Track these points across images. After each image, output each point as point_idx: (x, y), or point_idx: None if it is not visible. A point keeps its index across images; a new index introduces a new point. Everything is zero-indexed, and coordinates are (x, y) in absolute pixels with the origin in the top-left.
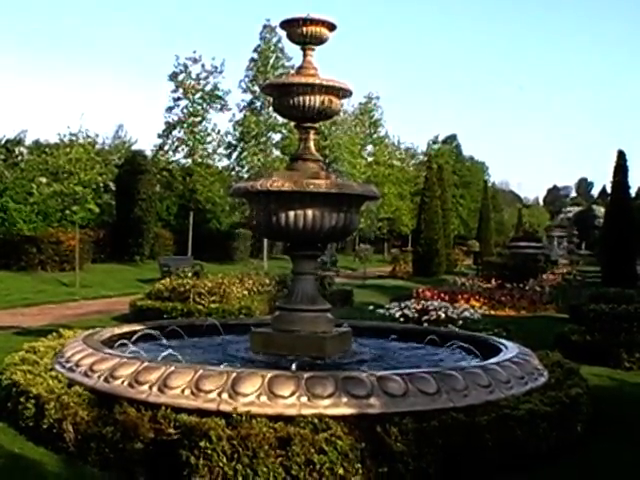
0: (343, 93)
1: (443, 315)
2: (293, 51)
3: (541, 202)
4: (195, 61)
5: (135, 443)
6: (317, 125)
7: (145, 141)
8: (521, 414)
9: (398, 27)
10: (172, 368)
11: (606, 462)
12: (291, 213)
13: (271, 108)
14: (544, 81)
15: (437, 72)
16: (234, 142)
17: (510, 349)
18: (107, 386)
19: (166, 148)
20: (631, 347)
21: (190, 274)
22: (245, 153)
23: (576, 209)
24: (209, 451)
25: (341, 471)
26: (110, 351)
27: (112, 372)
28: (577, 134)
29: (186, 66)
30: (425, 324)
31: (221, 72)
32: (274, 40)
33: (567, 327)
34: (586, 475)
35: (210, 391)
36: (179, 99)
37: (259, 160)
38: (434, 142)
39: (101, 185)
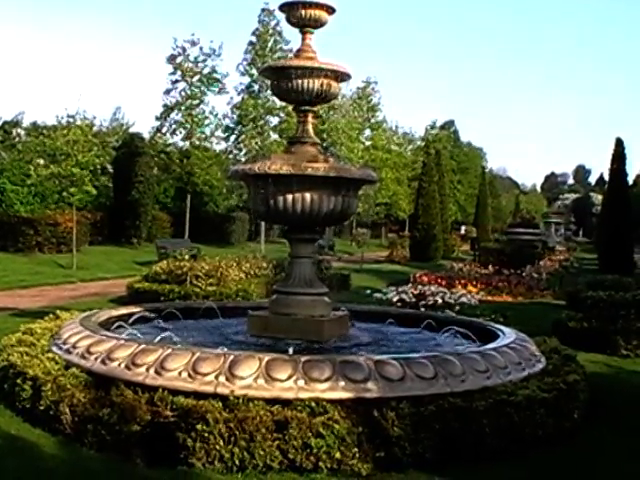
0: (342, 77)
1: (440, 300)
2: (292, 34)
3: (539, 189)
4: (193, 44)
5: (132, 425)
6: (315, 108)
7: (143, 123)
8: (518, 400)
9: (397, 12)
10: (169, 350)
11: (602, 449)
12: (289, 196)
13: (269, 91)
14: (543, 68)
15: (435, 58)
16: (232, 125)
17: (507, 335)
18: (104, 368)
19: (164, 130)
20: (628, 334)
21: (187, 257)
22: (243, 136)
23: (574, 196)
24: (206, 434)
25: (338, 455)
26: (107, 333)
27: (109, 354)
28: (575, 121)
29: (184, 49)
30: (422, 309)
31: (219, 55)
32: (272, 23)
33: (564, 314)
34: (583, 461)
35: (207, 374)
36: (177, 82)
37: (257, 143)
38: (432, 127)
39: (98, 167)
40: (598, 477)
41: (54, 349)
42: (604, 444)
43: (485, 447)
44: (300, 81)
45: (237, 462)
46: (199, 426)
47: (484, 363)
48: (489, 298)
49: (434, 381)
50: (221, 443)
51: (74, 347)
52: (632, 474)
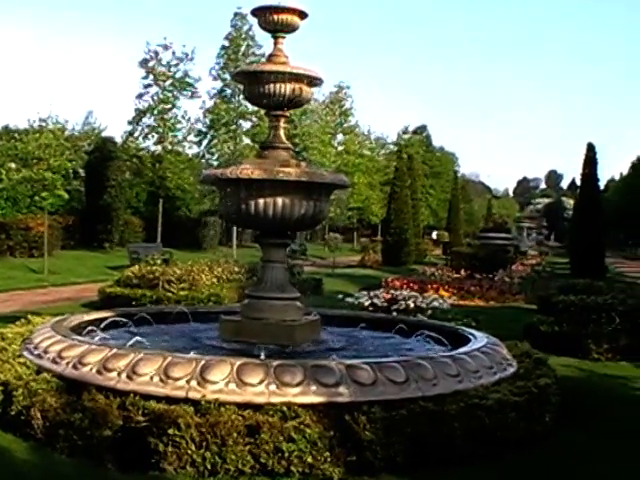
0: (314, 81)
1: (412, 305)
2: (264, 39)
3: (511, 193)
4: (166, 48)
5: (103, 430)
6: (287, 113)
7: (115, 127)
8: (490, 404)
9: (370, 17)
10: (141, 355)
11: (574, 452)
12: (261, 201)
13: (242, 96)
14: (515, 74)
15: (408, 63)
16: (204, 129)
17: (479, 339)
18: (75, 373)
19: (136, 135)
20: (599, 338)
21: (159, 261)
22: (215, 141)
23: (546, 201)
24: (177, 438)
25: (310, 459)
26: (79, 338)
27: (81, 359)
28: (548, 126)
29: (157, 53)
30: (394, 313)
31: (192, 59)
32: (245, 28)
33: (536, 318)
34: (554, 464)
35: (179, 378)
36: (149, 86)
37: (229, 148)
38: (404, 132)
39: (71, 171)
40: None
41: (25, 354)
42: (575, 447)
43: (457, 451)
44: (272, 86)
45: (209, 467)
46: (171, 431)
47: (456, 367)
48: (461, 302)
49: (406, 385)
50: (193, 448)
51: (45, 352)
52: (603, 476)
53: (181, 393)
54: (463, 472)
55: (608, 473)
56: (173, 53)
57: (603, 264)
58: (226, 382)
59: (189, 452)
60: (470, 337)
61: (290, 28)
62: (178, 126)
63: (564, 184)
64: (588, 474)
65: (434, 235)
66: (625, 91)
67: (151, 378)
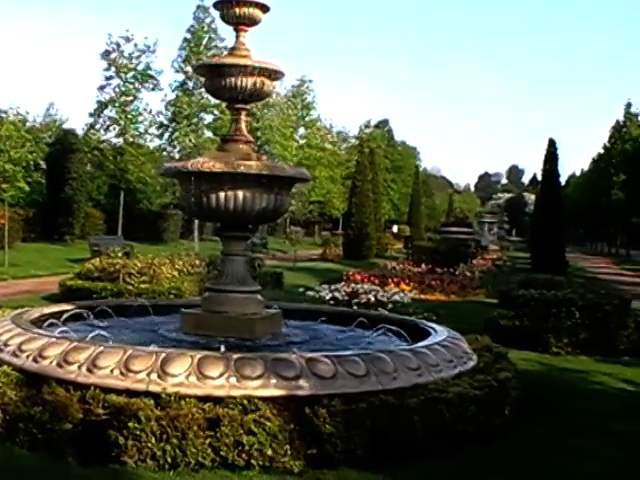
0: (275, 75)
1: (373, 298)
2: (227, 32)
3: (472, 188)
4: (128, 40)
5: (64, 424)
6: (249, 107)
7: (77, 120)
8: (450, 397)
9: (331, 11)
10: (101, 348)
11: (533, 444)
12: (221, 194)
13: (203, 89)
14: (477, 69)
15: (370, 57)
16: (166, 122)
17: (439, 333)
18: (36, 366)
19: (97, 127)
20: (559, 332)
21: (120, 254)
22: (177, 133)
23: (507, 196)
24: (138, 432)
25: (270, 452)
26: (39, 331)
27: (41, 352)
28: (509, 122)
29: (119, 45)
30: (355, 307)
31: (154, 51)
32: (207, 20)
33: (496, 312)
34: (513, 457)
35: (139, 371)
36: (111, 78)
37: (191, 141)
38: (366, 126)
39: (31, 163)
40: (528, 471)
41: None
42: (535, 440)
43: (417, 444)
44: (234, 79)
45: (169, 460)
46: (131, 424)
47: (416, 361)
48: (422, 296)
49: (366, 378)
50: (153, 441)
51: (5, 345)
52: (561, 468)
53: (141, 386)
54: (423, 465)
55: (566, 466)
56: (135, 45)
57: (563, 259)
58: (186, 375)
59: (149, 445)
60: (431, 331)
61: (252, 21)
62: (140, 119)
63: (525, 179)
64: (546, 466)
65: (394, 229)
66: (586, 87)
67: (111, 371)
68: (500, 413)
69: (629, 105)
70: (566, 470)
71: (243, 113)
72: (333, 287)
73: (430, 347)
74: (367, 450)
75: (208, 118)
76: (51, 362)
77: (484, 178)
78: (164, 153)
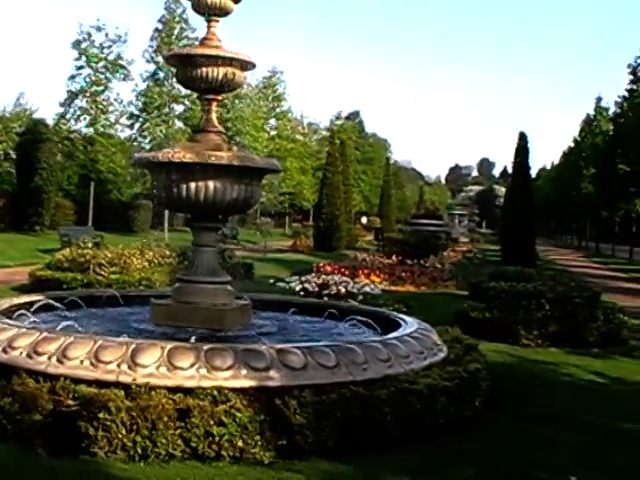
0: (246, 66)
1: (343, 290)
2: (198, 22)
3: (443, 180)
4: (99, 29)
5: (34, 415)
6: (220, 97)
7: (47, 109)
8: (420, 388)
9: (303, 2)
10: (71, 339)
11: (503, 435)
12: (192, 185)
13: (174, 79)
14: (448, 61)
15: (341, 49)
16: (137, 112)
17: (410, 324)
18: (5, 357)
19: (68, 117)
20: (529, 324)
21: (90, 245)
22: (148, 124)
23: (477, 188)
24: (108, 422)
25: (240, 443)
26: (8, 321)
27: (10, 342)
28: (480, 115)
29: (90, 34)
30: (325, 298)
31: (125, 41)
32: (179, 11)
33: (467, 304)
34: (483, 448)
35: (109, 362)
36: (82, 68)
37: (161, 131)
38: (337, 118)
39: (1, 153)
40: (496, 462)
41: None
42: (505, 431)
43: (387, 435)
44: (205, 69)
45: (139, 451)
46: (101, 415)
47: (386, 352)
48: (392, 288)
49: (336, 370)
50: (123, 432)
51: None
52: (529, 458)
53: (112, 377)
54: (393, 456)
55: (535, 456)
56: (106, 35)
57: (534, 252)
58: (157, 366)
59: (120, 436)
60: (401, 322)
61: (223, 12)
62: (110, 109)
63: (496, 172)
64: (515, 457)
65: (364, 220)
66: (558, 82)
67: (81, 362)
68: (470, 404)
69: (599, 99)
70: (534, 461)
71: (214, 104)
72: (303, 278)
73: (400, 338)
74: (338, 441)
75: (179, 109)
76: (21, 353)
77: (455, 170)
78: (135, 143)
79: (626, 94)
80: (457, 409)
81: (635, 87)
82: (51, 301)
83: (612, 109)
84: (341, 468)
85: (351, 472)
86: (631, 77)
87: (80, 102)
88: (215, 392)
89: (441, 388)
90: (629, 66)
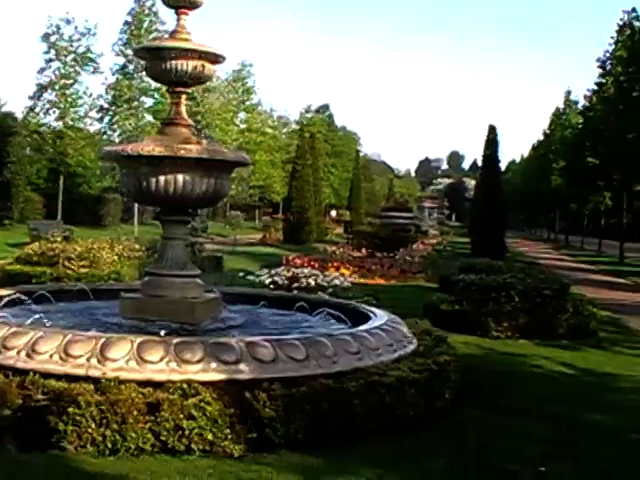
0: (216, 59)
1: (313, 283)
2: (168, 15)
3: (413, 173)
4: (68, 22)
5: (3, 410)
6: (189, 90)
7: (16, 103)
8: (389, 381)
9: None
10: (40, 333)
11: (472, 427)
12: (161, 178)
13: (144, 72)
14: (417, 55)
15: (310, 42)
16: (106, 106)
17: (379, 317)
18: None
19: (37, 110)
20: (498, 316)
21: (60, 238)
22: (117, 117)
23: (447, 181)
24: (78, 417)
25: (210, 436)
26: None
27: None
28: (450, 108)
29: (59, 27)
30: (295, 291)
31: (94, 34)
32: (148, 3)
33: (436, 296)
34: (453, 439)
35: (79, 356)
36: (51, 61)
37: (131, 124)
38: (307, 111)
39: None
40: (466, 453)
41: None
42: (474, 422)
43: (357, 427)
44: (174, 62)
45: (109, 445)
46: (71, 409)
47: (356, 344)
48: (362, 281)
49: (306, 362)
50: (93, 426)
51: None
52: (498, 450)
53: (81, 371)
54: (363, 448)
55: (505, 448)
56: (75, 28)
57: (503, 244)
58: (126, 360)
59: (89, 431)
60: (371, 315)
61: (193, 4)
62: (80, 102)
63: (466, 165)
64: (485, 448)
65: (333, 213)
66: (528, 75)
67: (51, 356)
68: (440, 396)
69: (569, 93)
70: (505, 452)
71: (183, 97)
72: (273, 271)
73: (370, 331)
74: (308, 434)
75: (148, 102)
76: None
77: (425, 163)
78: (104, 137)
79: (595, 87)
80: (427, 401)
81: (604, 80)
82: (20, 295)
83: (581, 102)
84: (311, 461)
85: (321, 464)
86: (600, 71)
87: (49, 95)
88: (185, 385)
89: (411, 380)
90: (598, 60)
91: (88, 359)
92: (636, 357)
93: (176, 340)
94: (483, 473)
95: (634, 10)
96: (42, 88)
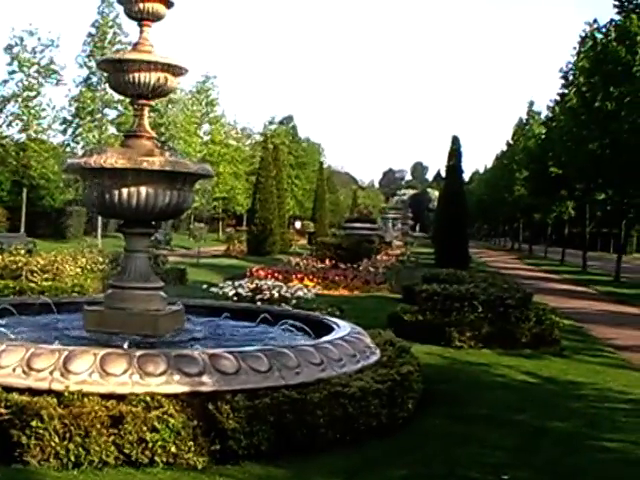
0: (179, 71)
1: (277, 294)
2: (131, 27)
3: (376, 184)
4: (31, 34)
5: None
6: (152, 102)
7: None
8: (352, 391)
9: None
10: (3, 347)
11: (434, 436)
12: (124, 190)
13: (107, 84)
14: (381, 66)
15: (274, 54)
16: (70, 118)
17: (342, 328)
18: None
19: (0, 122)
20: (462, 326)
21: (23, 251)
22: (81, 129)
23: (411, 192)
24: (41, 431)
25: (173, 449)
26: None
27: None
28: (414, 119)
29: (22, 39)
30: (259, 303)
31: (57, 46)
32: (112, 15)
33: (400, 307)
34: (415, 449)
35: (42, 370)
36: (14, 72)
37: (94, 137)
38: (270, 122)
39: None
40: (429, 462)
41: None
42: (437, 432)
43: (320, 438)
44: (137, 74)
45: (73, 458)
46: (34, 423)
47: (318, 355)
48: (326, 292)
49: (269, 374)
50: (56, 440)
51: None
52: (461, 458)
53: (44, 384)
54: (327, 459)
55: (467, 456)
56: (39, 39)
57: (467, 254)
58: (89, 373)
59: (52, 444)
60: (334, 326)
61: (156, 17)
62: (43, 114)
63: (429, 176)
64: (446, 457)
65: (297, 225)
66: (492, 87)
67: (13, 370)
68: (403, 406)
69: (532, 103)
70: (467, 461)
71: (146, 109)
72: (237, 283)
73: (333, 342)
74: (271, 445)
75: (112, 114)
76: None
77: (388, 174)
78: (67, 149)
79: (558, 98)
80: (390, 411)
81: (566, 91)
82: None
83: (544, 113)
84: (274, 472)
85: (284, 476)
86: (563, 81)
87: (12, 107)
88: (148, 398)
89: (373, 391)
90: (561, 71)
91: (51, 372)
92: (598, 365)
93: (139, 353)
94: None
95: (596, 21)
96: (5, 100)
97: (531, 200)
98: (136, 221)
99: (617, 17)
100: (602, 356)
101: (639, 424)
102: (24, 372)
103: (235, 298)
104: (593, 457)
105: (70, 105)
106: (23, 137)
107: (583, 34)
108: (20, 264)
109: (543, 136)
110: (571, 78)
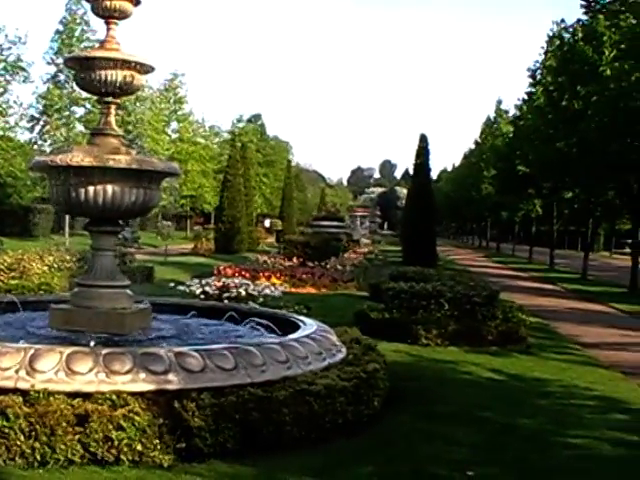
0: (145, 69)
1: (244, 292)
2: (99, 24)
3: (345, 182)
4: None
5: None
6: (119, 100)
7: None
8: (318, 389)
9: (203, 6)
10: None
11: (400, 433)
12: (90, 188)
13: (75, 82)
14: (348, 64)
15: (242, 51)
16: (37, 115)
17: (309, 326)
18: None
19: None
20: (428, 324)
21: None
22: (48, 127)
23: (379, 190)
24: (6, 429)
25: (139, 447)
26: None
27: None
28: (382, 117)
29: None
30: (226, 301)
31: (25, 43)
32: (80, 12)
33: (366, 305)
34: (380, 446)
35: (7, 368)
36: None
37: (62, 134)
38: (239, 120)
39: None
40: (396, 460)
41: None
42: (403, 429)
43: (286, 436)
44: (103, 72)
45: (38, 457)
46: None
47: (284, 353)
48: (293, 290)
49: (235, 372)
50: (22, 438)
51: None
52: (426, 455)
53: (10, 383)
54: (292, 456)
55: (433, 453)
56: (6, 36)
57: (434, 252)
58: (55, 371)
59: (18, 443)
60: (300, 324)
61: (123, 14)
62: (10, 111)
63: (398, 174)
64: (411, 454)
65: (266, 223)
66: (460, 85)
67: None
68: (369, 404)
69: (500, 102)
70: (433, 457)
71: (113, 107)
72: (204, 281)
73: (299, 340)
74: (237, 443)
75: (80, 111)
76: None
77: (357, 172)
78: (35, 147)
79: (525, 97)
80: (356, 409)
81: (534, 90)
82: None
83: (512, 112)
84: (241, 470)
85: (251, 473)
86: (530, 80)
87: None
88: (114, 396)
89: (339, 388)
90: (529, 69)
91: (17, 371)
92: (564, 362)
93: (105, 351)
94: (412, 478)
95: (563, 21)
96: None
97: (499, 198)
98: (103, 219)
99: (584, 17)
100: (568, 353)
101: (604, 420)
102: None
103: (202, 296)
104: (559, 453)
105: (37, 102)
106: None
107: (551, 34)
108: None
109: (511, 135)
110: (539, 77)
